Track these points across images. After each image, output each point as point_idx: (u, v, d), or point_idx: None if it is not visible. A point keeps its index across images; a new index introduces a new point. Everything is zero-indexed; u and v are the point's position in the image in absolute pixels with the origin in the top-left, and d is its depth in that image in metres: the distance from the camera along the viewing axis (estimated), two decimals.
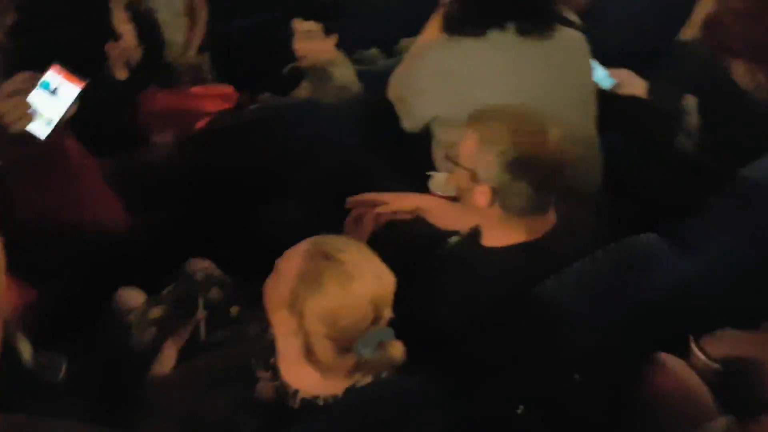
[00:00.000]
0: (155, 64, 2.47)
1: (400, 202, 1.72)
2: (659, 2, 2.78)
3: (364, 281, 1.09)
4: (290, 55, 2.23)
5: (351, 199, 1.72)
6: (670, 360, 1.18)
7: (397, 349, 1.11)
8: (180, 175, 2.08)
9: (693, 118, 2.02)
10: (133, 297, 1.66)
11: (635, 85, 2.27)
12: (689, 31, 2.30)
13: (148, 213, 1.91)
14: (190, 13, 2.61)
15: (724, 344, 1.20)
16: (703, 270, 1.30)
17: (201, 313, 1.46)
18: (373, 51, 2.90)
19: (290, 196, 1.98)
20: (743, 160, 1.47)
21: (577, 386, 1.21)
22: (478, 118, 1.45)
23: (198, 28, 2.63)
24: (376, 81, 2.15)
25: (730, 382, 1.17)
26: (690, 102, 2.04)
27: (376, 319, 1.10)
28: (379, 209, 1.69)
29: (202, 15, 2.64)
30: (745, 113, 1.82)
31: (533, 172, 1.37)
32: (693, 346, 1.21)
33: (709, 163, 1.74)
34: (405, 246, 1.59)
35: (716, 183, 1.45)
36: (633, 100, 2.23)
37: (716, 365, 1.18)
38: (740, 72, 1.89)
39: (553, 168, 1.40)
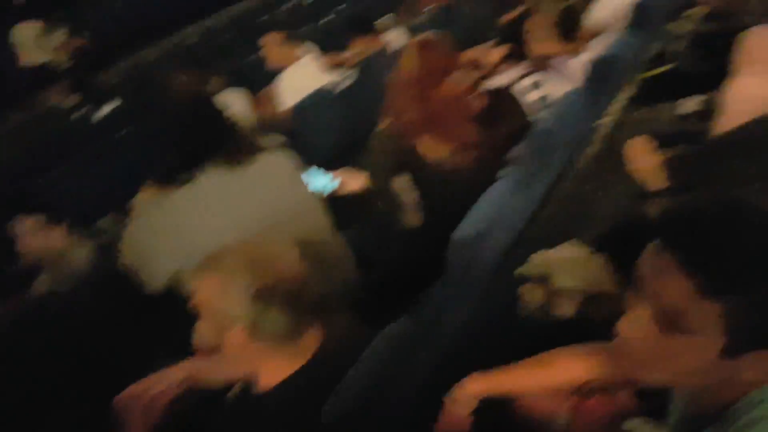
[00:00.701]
0: None
1: (166, 380, 1.56)
2: (354, 108, 3.07)
3: None
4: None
5: (115, 403, 1.52)
6: None
7: None
8: None
9: (409, 195, 2.19)
10: None
11: (356, 179, 2.40)
12: (384, 121, 2.52)
13: None
14: None
15: None
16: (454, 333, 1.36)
17: None
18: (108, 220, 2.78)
19: None
20: (455, 225, 1.59)
21: None
22: (211, 263, 1.39)
23: None
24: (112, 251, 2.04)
25: None
26: (401, 181, 2.21)
27: None
28: (146, 399, 1.51)
29: None
30: (444, 185, 2.03)
31: (281, 297, 1.35)
32: None
33: (431, 232, 1.87)
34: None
35: (439, 248, 1.55)
36: (358, 193, 2.35)
37: None
38: (426, 147, 2.11)
39: (299, 286, 1.39)
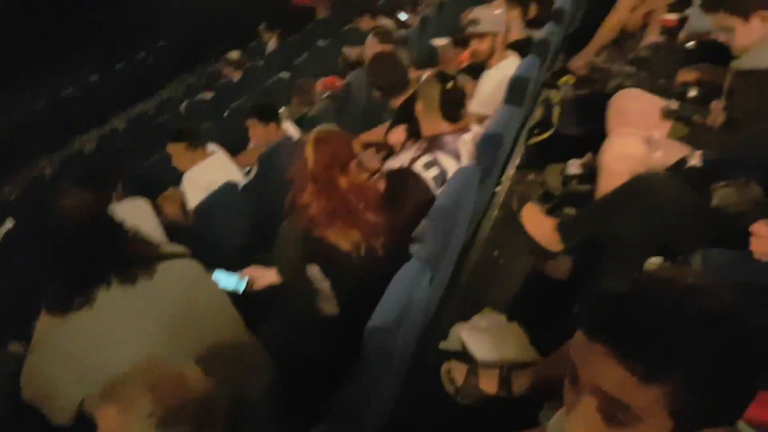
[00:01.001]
0: None
1: None
2: (258, 202, 3.06)
3: None
4: None
5: None
6: None
7: None
8: None
9: (322, 284, 2.17)
10: None
11: (266, 274, 2.36)
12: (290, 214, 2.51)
13: None
14: None
15: None
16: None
17: None
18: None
19: None
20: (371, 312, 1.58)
21: None
22: (109, 392, 1.30)
23: None
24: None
25: None
26: (314, 271, 2.19)
27: None
28: None
29: None
30: (357, 272, 2.04)
31: (189, 419, 1.27)
32: None
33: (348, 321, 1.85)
34: None
35: (358, 337, 1.53)
36: (270, 288, 2.31)
37: None
38: (335, 236, 2.12)
39: (207, 403, 1.32)
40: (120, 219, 1.83)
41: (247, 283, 2.24)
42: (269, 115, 4.11)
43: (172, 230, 2.84)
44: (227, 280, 2.22)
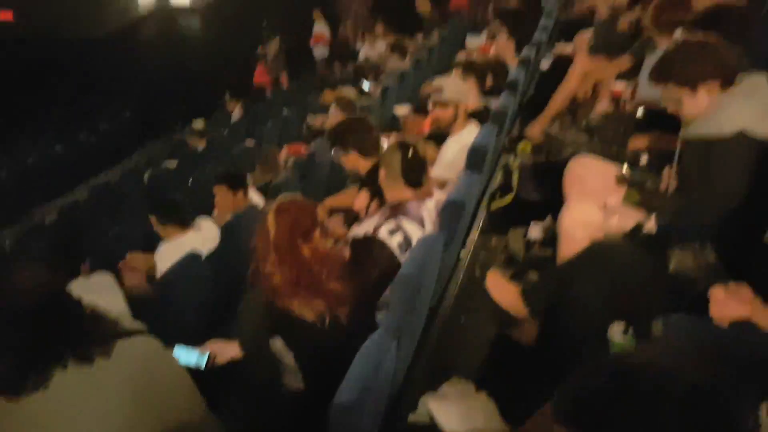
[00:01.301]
0: None
1: None
2: (221, 273, 3.00)
3: None
4: None
5: None
6: None
7: None
8: None
9: (286, 357, 2.11)
10: None
11: (228, 348, 2.28)
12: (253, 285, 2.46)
13: None
14: None
15: None
16: None
17: None
18: None
19: None
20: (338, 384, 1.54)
21: None
22: None
23: None
24: None
25: None
26: (278, 344, 2.14)
27: None
28: None
29: None
30: (322, 343, 1.99)
31: None
32: None
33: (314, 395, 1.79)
34: None
35: (323, 416, 1.48)
36: (233, 363, 2.23)
37: None
38: (299, 307, 2.08)
39: None
40: (77, 296, 1.76)
41: (209, 358, 2.16)
42: (238, 183, 4.09)
43: (136, 302, 2.74)
44: (188, 356, 2.13)
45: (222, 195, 4.10)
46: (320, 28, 10.07)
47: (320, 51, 10.07)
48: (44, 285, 1.79)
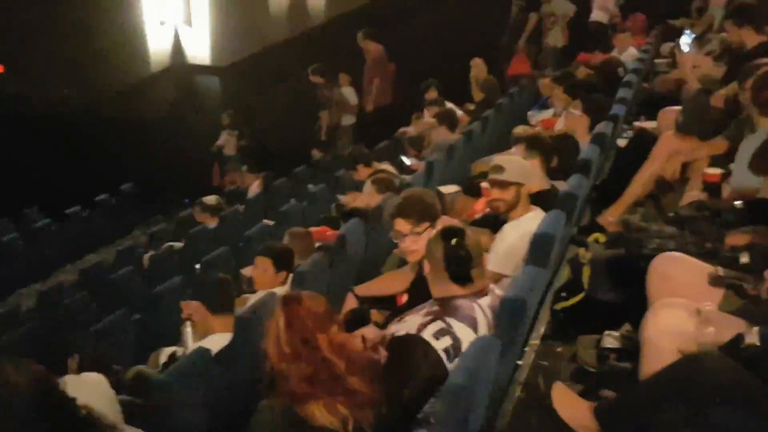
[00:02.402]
0: None
1: None
2: (232, 373, 3.05)
3: None
4: None
5: None
6: None
7: None
8: None
9: None
10: None
11: None
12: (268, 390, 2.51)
13: None
14: None
15: None
16: None
17: None
18: None
19: None
20: None
21: None
22: None
23: None
24: None
25: None
26: None
27: None
28: None
29: None
30: None
31: None
32: None
33: None
34: None
35: None
36: None
37: None
38: (318, 413, 2.12)
39: None
40: (72, 396, 1.83)
41: None
42: (285, 263, 4.20)
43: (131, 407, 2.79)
44: None
45: (263, 268, 4.20)
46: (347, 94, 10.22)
47: (348, 119, 10.18)
48: (37, 381, 1.87)
